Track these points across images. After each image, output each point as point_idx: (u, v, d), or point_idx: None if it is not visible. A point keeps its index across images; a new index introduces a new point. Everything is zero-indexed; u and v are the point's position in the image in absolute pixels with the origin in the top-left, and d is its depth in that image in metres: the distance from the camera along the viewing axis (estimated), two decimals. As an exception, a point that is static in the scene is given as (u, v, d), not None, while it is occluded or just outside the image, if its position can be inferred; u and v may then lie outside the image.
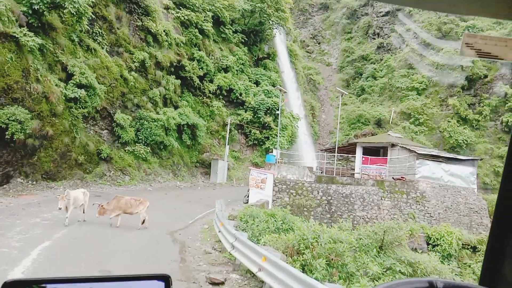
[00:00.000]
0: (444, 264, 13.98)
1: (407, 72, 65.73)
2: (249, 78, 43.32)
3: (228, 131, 37.25)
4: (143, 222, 13.78)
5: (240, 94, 40.36)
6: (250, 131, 40.34)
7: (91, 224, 13.40)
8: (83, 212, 13.84)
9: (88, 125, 25.29)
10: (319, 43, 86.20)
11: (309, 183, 22.40)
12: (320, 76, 75.88)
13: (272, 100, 40.12)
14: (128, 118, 27.22)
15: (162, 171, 30.94)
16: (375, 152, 29.33)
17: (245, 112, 40.29)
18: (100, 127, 26.36)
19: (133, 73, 28.88)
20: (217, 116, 38.57)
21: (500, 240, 1.38)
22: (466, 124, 55.76)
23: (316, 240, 8.74)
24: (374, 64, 74.18)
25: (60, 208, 12.32)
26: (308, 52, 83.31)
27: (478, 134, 55.28)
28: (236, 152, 39.81)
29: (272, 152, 28.94)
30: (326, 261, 8.55)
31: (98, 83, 24.39)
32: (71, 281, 1.10)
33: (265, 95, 40.87)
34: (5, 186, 18.85)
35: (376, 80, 70.81)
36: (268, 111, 39.98)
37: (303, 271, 8.23)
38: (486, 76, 57.70)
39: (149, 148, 29.00)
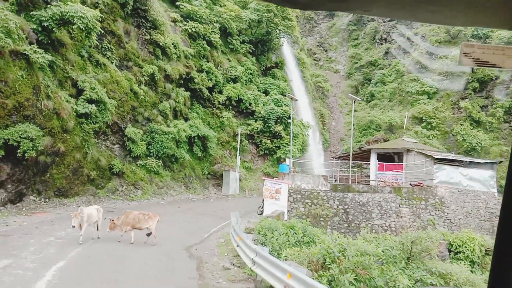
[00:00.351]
0: (475, 274, 13.37)
1: (416, 76, 65.18)
2: (258, 87, 43.14)
3: (239, 141, 36.97)
4: (149, 234, 13.48)
5: (250, 104, 40.16)
6: (261, 141, 40.02)
7: (105, 241, 13.10)
8: (97, 229, 13.56)
9: (100, 140, 25.18)
10: (326, 51, 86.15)
11: (324, 192, 21.91)
12: (329, 83, 75.58)
13: (282, 109, 39.84)
14: (139, 132, 27.09)
15: (174, 184, 30.68)
16: (390, 158, 28.76)
17: (255, 121, 40.04)
18: (112, 142, 26.25)
19: (143, 86, 28.84)
20: (227, 126, 38.35)
21: (507, 243, 1.35)
22: (479, 127, 54.85)
23: (343, 254, 8.29)
24: (382, 69, 73.69)
25: (73, 226, 12.06)
26: (315, 60, 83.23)
27: (492, 136, 54.33)
28: (247, 162, 39.47)
29: (284, 161, 28.53)
30: (354, 275, 8.10)
31: (109, 97, 24.33)
32: None
33: (274, 104, 40.60)
34: (18, 204, 18.70)
35: (385, 85, 70.23)
36: (278, 120, 39.66)
37: (330, 287, 7.79)
38: (497, 78, 56.87)
39: (160, 161, 28.81)
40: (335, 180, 27.44)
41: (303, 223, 13.94)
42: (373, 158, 27.69)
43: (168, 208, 23.43)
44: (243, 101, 39.98)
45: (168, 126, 30.33)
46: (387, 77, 70.97)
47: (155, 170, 28.24)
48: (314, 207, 21.54)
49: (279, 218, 18.59)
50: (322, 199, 21.72)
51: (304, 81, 58.82)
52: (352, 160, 31.50)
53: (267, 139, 39.80)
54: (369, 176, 29.03)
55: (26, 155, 17.56)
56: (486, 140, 53.23)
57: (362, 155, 30.34)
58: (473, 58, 1.41)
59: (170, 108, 31.51)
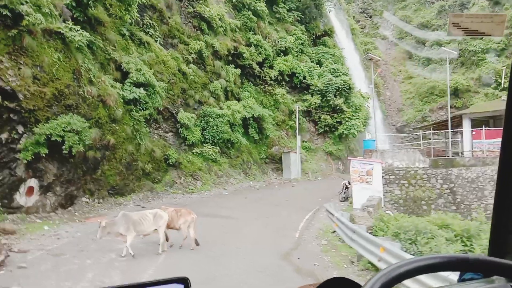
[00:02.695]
0: None
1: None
2: (310, 58, 39.01)
3: (297, 119, 33.30)
4: (193, 239, 10.53)
5: (304, 77, 36.19)
6: (320, 117, 36.09)
7: (182, 251, 10.09)
8: (166, 240, 10.54)
9: (151, 128, 22.41)
10: (370, 17, 79.87)
11: (423, 169, 17.98)
12: (379, 51, 69.71)
13: (341, 79, 35.60)
14: (192, 117, 24.09)
15: (233, 172, 27.67)
16: (482, 124, 24.08)
17: (312, 96, 36.07)
18: (164, 130, 23.44)
19: (191, 65, 25.73)
20: (282, 104, 34.71)
21: (505, 210, 1.31)
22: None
23: None
24: (437, 30, 66.90)
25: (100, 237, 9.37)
26: (360, 27, 77.31)
27: None
28: (306, 142, 35.76)
29: (368, 137, 24.63)
30: None
31: (157, 80, 21.39)
32: None
33: (332, 74, 36.38)
34: (70, 208, 16.22)
35: (442, 46, 63.57)
36: (338, 92, 35.48)
37: None
38: None
39: (217, 147, 25.78)
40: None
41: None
42: (466, 124, 23.18)
43: (235, 200, 20.39)
44: (296, 74, 36.08)
45: (221, 108, 27.18)
46: (443, 38, 64.36)
47: (213, 157, 25.26)
48: (413, 188, 17.70)
49: (379, 207, 14.96)
50: (421, 178, 17.81)
51: (356, 48, 53.92)
52: (434, 130, 27.08)
53: (327, 114, 35.81)
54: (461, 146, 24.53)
55: (73, 151, 14.87)
56: None
57: (452, 122, 25.73)
58: (462, 28, 1.40)
59: (221, 88, 28.29)
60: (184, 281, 1.09)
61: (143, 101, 20.15)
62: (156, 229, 9.99)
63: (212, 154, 25.09)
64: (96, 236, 9.61)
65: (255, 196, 22.02)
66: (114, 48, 20.29)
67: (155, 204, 19.10)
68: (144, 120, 20.62)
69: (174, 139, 23.94)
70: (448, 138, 24.95)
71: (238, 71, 30.80)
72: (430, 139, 29.18)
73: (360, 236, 8.42)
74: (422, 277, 5.60)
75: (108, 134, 17.86)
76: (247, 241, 11.65)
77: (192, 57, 26.11)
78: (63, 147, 14.67)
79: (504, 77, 49.03)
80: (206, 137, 25.47)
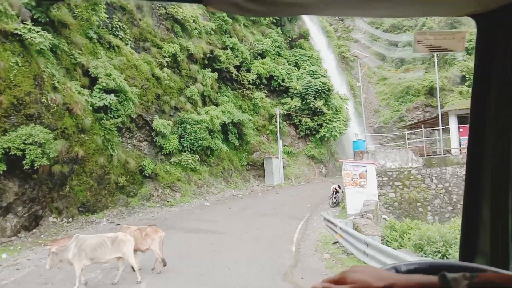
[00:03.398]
0: None
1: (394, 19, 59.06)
2: (288, 61, 38.11)
3: (278, 123, 32.21)
4: (162, 262, 9.07)
5: (283, 80, 35.23)
6: (300, 120, 35.14)
7: (165, 276, 8.64)
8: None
9: (124, 138, 20.77)
10: (342, 20, 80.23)
11: (416, 169, 17.11)
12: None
13: (320, 81, 34.79)
14: (168, 124, 22.57)
15: (213, 181, 26.23)
16: (467, 120, 23.61)
17: (291, 99, 35.12)
18: (138, 139, 21.82)
19: (165, 69, 24.24)
20: (261, 108, 33.58)
21: (473, 213, 1.33)
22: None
23: None
24: (409, 31, 67.73)
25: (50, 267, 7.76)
26: (333, 29, 77.40)
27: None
28: (287, 146, 34.72)
29: (357, 138, 23.69)
30: None
31: (128, 85, 19.83)
32: None
33: (310, 76, 35.54)
34: (34, 230, 14.44)
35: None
36: (317, 94, 34.62)
37: None
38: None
39: (196, 156, 24.31)
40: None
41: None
42: (453, 121, 22.60)
43: (219, 211, 18.98)
44: (275, 77, 35.07)
45: (199, 114, 25.76)
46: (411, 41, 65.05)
47: (192, 166, 23.77)
48: (407, 189, 16.79)
49: (377, 212, 13.92)
50: (415, 178, 16.93)
51: (332, 51, 53.58)
52: (419, 128, 26.52)
53: (307, 117, 34.90)
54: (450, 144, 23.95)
55: (35, 165, 13.19)
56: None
57: (435, 120, 25.20)
58: (426, 45, 1.44)
59: (198, 93, 26.88)
60: None
61: (114, 109, 18.55)
62: (120, 257, 8.28)
63: (191, 163, 23.62)
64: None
65: (240, 206, 20.67)
66: (80, 52, 18.66)
67: (131, 220, 17.50)
68: (116, 129, 19.00)
69: (150, 149, 22.35)
70: (437, 137, 24.33)
71: (215, 75, 29.49)
72: (408, 139, 28.61)
73: (376, 250, 7.23)
74: None
75: (76, 145, 16.20)
76: (239, 259, 10.31)
77: (166, 61, 24.63)
78: (24, 161, 12.99)
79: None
80: (184, 145, 23.99)
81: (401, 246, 8.00)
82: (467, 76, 52.65)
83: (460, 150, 21.44)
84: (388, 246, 8.01)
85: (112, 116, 18.67)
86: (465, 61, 54.00)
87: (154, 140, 22.31)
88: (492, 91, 1.25)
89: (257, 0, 1.02)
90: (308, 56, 39.34)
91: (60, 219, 15.73)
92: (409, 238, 8.17)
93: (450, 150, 22.59)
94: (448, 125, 22.58)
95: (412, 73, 60.90)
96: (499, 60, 1.23)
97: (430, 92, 56.00)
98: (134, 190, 20.09)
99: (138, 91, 20.76)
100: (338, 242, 10.63)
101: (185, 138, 24.05)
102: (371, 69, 71.12)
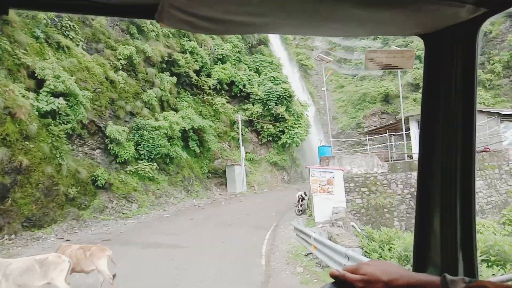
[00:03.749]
0: None
1: (404, 41, 61.15)
2: (248, 67, 37.56)
3: (240, 129, 31.46)
4: (114, 276, 8.06)
5: (244, 86, 34.57)
6: (262, 127, 34.59)
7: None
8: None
9: (75, 145, 19.18)
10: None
11: (382, 174, 16.91)
12: (310, 61, 70.73)
13: (281, 87, 34.47)
14: (123, 130, 21.19)
15: (173, 190, 24.98)
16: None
17: (253, 105, 34.51)
18: (91, 147, 20.26)
19: (120, 72, 22.83)
20: (223, 114, 32.71)
21: (425, 223, 1.35)
22: (479, 86, 51.40)
23: None
24: (364, 39, 69.61)
25: None
26: (292, 37, 78.13)
27: (493, 94, 51.11)
28: (249, 153, 34.00)
29: (322, 144, 23.29)
30: None
31: (80, 88, 18.35)
32: None
33: (271, 82, 35.17)
34: (-31, 250, 12.73)
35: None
36: (279, 101, 34.26)
37: None
38: (490, 32, 53.48)
39: (154, 164, 23.00)
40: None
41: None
42: (413, 126, 22.85)
43: (180, 223, 17.86)
44: (236, 83, 34.35)
45: (157, 120, 24.50)
46: (370, 46, 67.06)
47: (150, 175, 22.46)
48: (374, 195, 16.52)
49: (346, 219, 13.44)
50: (381, 184, 16.71)
51: (290, 59, 53.79)
52: (380, 134, 26.68)
53: (269, 123, 34.42)
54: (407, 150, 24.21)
55: (-31, 178, 11.60)
56: (488, 99, 49.97)
57: (396, 125, 25.43)
58: (377, 63, 1.48)
59: (156, 98, 25.61)
60: None
61: (64, 113, 17.05)
62: (48, 283, 6.86)
63: (148, 171, 22.29)
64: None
65: (202, 216, 19.63)
66: (25, 52, 17.04)
67: (83, 235, 16.05)
68: (65, 135, 17.44)
69: (103, 157, 20.84)
70: (393, 142, 24.51)
71: (174, 79, 28.31)
72: (366, 145, 28.80)
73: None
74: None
75: (20, 154, 14.60)
76: (206, 276, 9.37)
77: (121, 64, 23.23)
78: (-45, 173, 11.37)
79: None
80: (141, 152, 22.64)
81: (381, 257, 7.46)
82: (420, 83, 54.51)
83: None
84: (369, 259, 7.43)
85: (61, 122, 17.13)
86: (418, 69, 55.93)
87: (108, 148, 20.84)
88: (440, 103, 1.30)
89: (210, 19, 1.04)
90: (269, 62, 39.02)
91: (1, 236, 14.03)
92: (389, 249, 7.65)
93: (411, 156, 22.81)
94: (409, 130, 22.81)
95: (367, 81, 62.45)
96: (446, 75, 1.28)
97: (386, 99, 57.57)
98: (86, 202, 18.54)
99: (90, 95, 19.30)
100: (310, 253, 9.96)
101: (142, 145, 22.72)
102: (329, 77, 72.49)
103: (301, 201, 18.21)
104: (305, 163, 40.58)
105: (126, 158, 21.44)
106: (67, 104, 17.08)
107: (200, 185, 28.40)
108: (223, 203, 24.99)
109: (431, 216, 1.31)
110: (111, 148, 20.94)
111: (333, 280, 1.04)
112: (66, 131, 17.40)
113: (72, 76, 18.30)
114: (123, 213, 19.99)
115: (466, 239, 1.26)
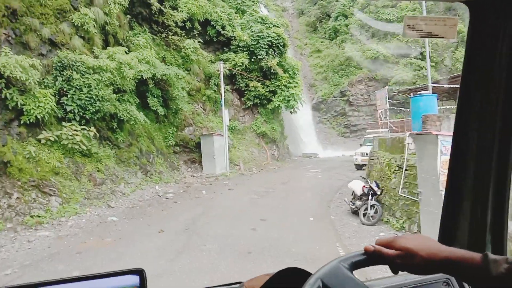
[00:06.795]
0: None
1: (391, 1, 53.70)
2: (227, 4, 28.08)
3: (222, 85, 22.32)
4: None
5: (223, 28, 25.16)
6: (247, 85, 25.64)
7: None
8: None
9: None
10: (266, -14, 71.74)
11: None
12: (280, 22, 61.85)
13: (274, 32, 25.52)
14: (34, 67, 11.56)
15: (124, 172, 15.78)
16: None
17: (235, 54, 25.33)
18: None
19: (27, -37, 12.88)
20: (195, 64, 23.27)
21: (455, 197, 1.31)
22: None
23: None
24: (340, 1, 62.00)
25: None
26: (257, 0, 68.62)
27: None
28: (230, 120, 25.13)
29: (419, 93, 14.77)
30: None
31: None
32: (42, 284, 1.00)
33: (261, 24, 26.07)
34: None
35: (349, 18, 58.53)
36: (270, 50, 25.37)
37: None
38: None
39: (92, 129, 13.58)
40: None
41: None
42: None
43: (138, 240, 8.87)
44: (212, 23, 24.90)
45: (96, 57, 14.91)
46: (349, 8, 59.48)
47: (83, 148, 13.08)
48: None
49: None
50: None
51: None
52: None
53: (257, 80, 25.52)
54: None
55: None
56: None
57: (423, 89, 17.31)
58: (416, 30, 1.40)
59: (96, 24, 15.81)
60: (140, 272, 1.06)
61: None
62: None
63: (81, 141, 12.89)
64: None
65: (179, 221, 10.77)
66: None
67: None
68: None
69: (-10, 112, 11.22)
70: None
71: (125, 2, 18.45)
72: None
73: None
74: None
75: None
76: None
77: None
78: None
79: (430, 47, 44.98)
80: (68, 109, 13.13)
81: None
82: (413, 46, 48.02)
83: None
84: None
85: None
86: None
87: (3, 97, 11.19)
88: (482, 77, 1.23)
89: None
90: (253, 1, 29.70)
91: None
92: None
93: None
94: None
95: (349, 44, 54.91)
96: (491, 49, 1.20)
97: (374, 64, 50.51)
98: None
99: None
100: None
101: (69, 96, 13.16)
102: (302, 40, 64.52)
103: (371, 197, 9.80)
104: (291, 134, 32.44)
105: (39, 116, 11.86)
106: None
107: (164, 164, 19.34)
108: (204, 192, 16.11)
109: (462, 194, 1.26)
110: (10, 97, 11.31)
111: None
112: None
113: None
114: (31, 216, 10.74)
115: (497, 220, 1.21)
